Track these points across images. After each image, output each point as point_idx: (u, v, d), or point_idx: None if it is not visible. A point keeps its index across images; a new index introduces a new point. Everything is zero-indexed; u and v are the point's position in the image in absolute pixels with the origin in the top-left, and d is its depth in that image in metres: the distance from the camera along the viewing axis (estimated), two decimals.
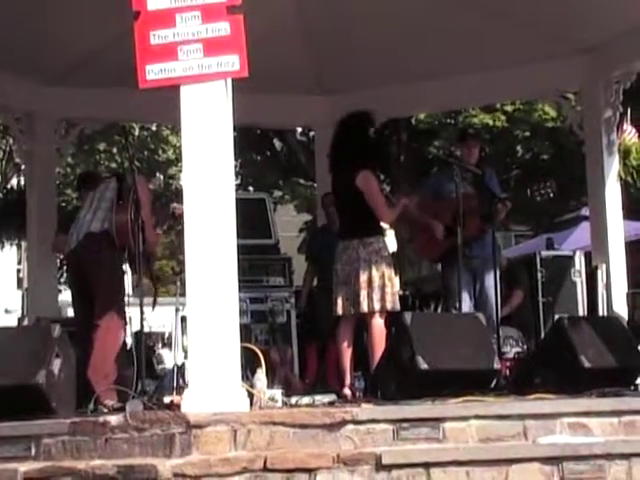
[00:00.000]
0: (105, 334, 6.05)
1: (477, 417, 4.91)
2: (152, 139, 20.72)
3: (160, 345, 18.36)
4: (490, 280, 7.22)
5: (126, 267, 6.41)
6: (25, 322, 9.99)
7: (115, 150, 19.14)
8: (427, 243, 7.55)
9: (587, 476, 4.72)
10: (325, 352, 8.23)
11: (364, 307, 6.42)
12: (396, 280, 6.84)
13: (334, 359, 7.15)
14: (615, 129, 8.35)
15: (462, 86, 8.87)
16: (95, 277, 6.19)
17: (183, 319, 6.43)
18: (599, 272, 8.17)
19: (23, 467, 4.63)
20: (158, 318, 6.84)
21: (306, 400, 5.73)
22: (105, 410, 5.49)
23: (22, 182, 10.53)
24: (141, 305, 5.95)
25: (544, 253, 9.09)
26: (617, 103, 8.31)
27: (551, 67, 8.38)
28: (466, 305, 7.08)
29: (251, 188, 19.75)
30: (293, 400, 5.67)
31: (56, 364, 5.25)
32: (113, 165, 18.98)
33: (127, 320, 6.37)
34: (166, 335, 18.52)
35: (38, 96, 8.59)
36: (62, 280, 12.50)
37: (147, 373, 6.25)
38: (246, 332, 7.34)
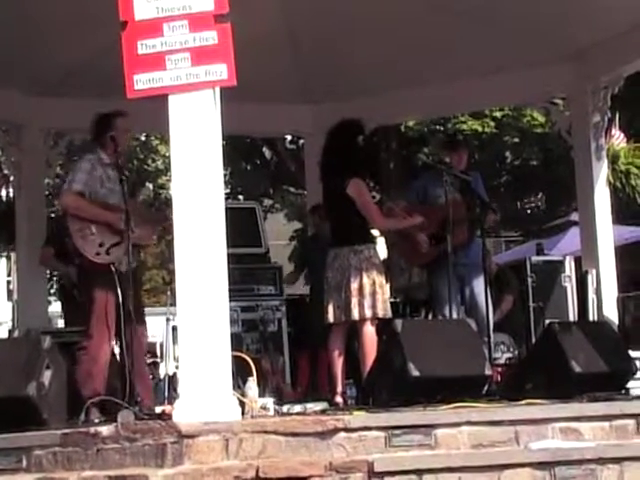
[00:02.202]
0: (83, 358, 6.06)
1: (469, 423, 4.90)
2: (141, 149, 20.69)
3: (151, 355, 18.29)
4: (480, 286, 7.21)
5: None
6: (15, 334, 9.96)
7: None
8: (413, 248, 7.54)
9: None
10: (317, 360, 8.23)
11: (355, 314, 6.41)
12: (387, 287, 6.84)
13: (326, 367, 7.15)
14: (603, 134, 8.38)
15: (451, 93, 8.88)
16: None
17: (174, 329, 6.43)
18: (589, 277, 8.19)
19: (14, 479, 4.61)
20: (149, 328, 6.83)
21: (298, 408, 5.72)
22: (96, 421, 5.47)
23: (11, 193, 10.48)
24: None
25: (534, 258, 9.08)
26: (605, 108, 8.33)
27: (539, 73, 8.39)
28: (455, 311, 7.06)
29: (241, 197, 19.75)
30: (285, 408, 5.65)
31: (46, 375, 5.23)
32: None
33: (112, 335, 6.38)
34: (157, 345, 18.46)
35: (26, 107, 8.57)
36: (52, 291, 12.47)
37: None
38: (237, 341, 7.32)
